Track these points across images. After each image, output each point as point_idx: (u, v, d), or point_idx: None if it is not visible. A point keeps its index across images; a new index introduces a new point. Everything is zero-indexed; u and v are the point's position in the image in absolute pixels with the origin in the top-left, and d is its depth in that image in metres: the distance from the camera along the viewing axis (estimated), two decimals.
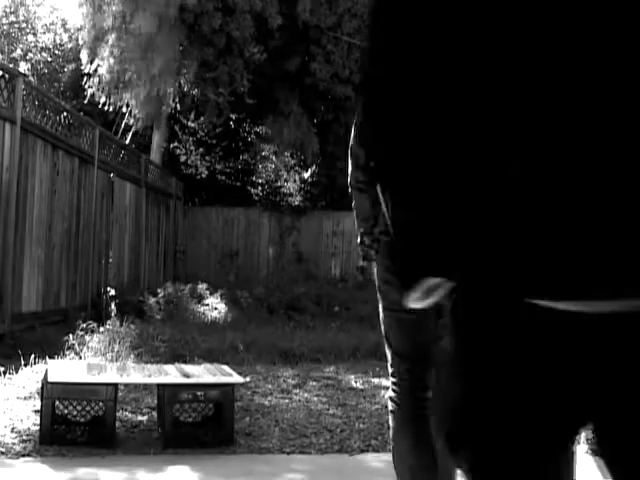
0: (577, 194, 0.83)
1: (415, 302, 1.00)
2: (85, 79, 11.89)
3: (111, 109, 11.91)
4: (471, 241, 0.87)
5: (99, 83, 11.52)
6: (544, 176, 0.83)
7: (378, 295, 2.32)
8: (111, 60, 11.16)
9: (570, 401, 0.95)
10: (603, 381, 0.93)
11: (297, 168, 15.13)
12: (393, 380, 2.35)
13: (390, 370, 2.38)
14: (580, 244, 0.83)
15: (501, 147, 0.84)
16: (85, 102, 12.80)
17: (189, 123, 15.32)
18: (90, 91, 11.72)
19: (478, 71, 0.86)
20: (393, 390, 2.34)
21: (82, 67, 12.02)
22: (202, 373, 3.74)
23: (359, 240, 2.31)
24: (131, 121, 12.35)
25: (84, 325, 6.45)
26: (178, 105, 12.95)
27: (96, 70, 11.49)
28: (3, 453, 3.29)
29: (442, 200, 0.88)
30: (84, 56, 11.70)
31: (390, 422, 2.38)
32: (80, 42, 12.57)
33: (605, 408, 0.95)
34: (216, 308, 10.27)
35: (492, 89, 0.85)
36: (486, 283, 0.90)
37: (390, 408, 2.37)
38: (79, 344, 5.96)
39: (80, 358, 5.66)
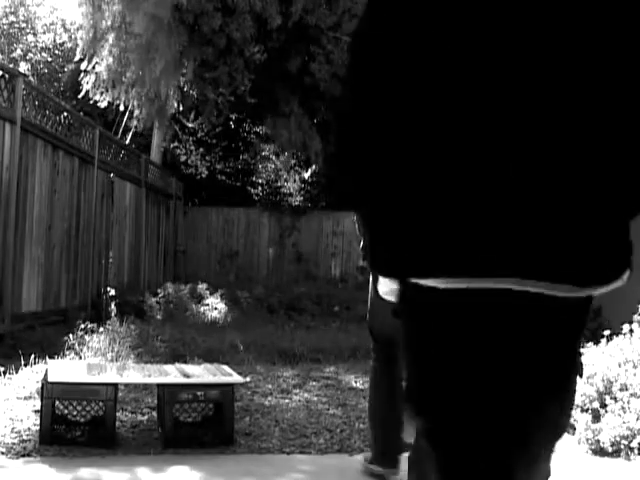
0: (479, 204, 1.11)
1: (385, 295, 1.32)
2: (83, 77, 11.86)
3: (104, 105, 11.88)
4: (405, 250, 1.17)
5: (95, 81, 11.50)
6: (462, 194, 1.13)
7: (371, 286, 2.83)
8: (110, 59, 11.15)
9: (482, 372, 1.19)
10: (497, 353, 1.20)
11: (297, 168, 15.13)
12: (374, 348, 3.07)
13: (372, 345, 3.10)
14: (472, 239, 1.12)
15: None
16: (85, 102, 12.79)
17: (189, 123, 15.32)
18: (88, 89, 11.69)
19: (434, 113, 1.15)
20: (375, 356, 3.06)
21: (81, 66, 12.01)
22: (202, 373, 3.74)
23: (361, 244, 2.66)
24: (133, 122, 12.34)
25: (84, 325, 6.44)
26: (178, 105, 12.95)
27: (94, 68, 11.47)
28: (3, 453, 3.29)
29: (386, 218, 1.20)
30: (82, 55, 11.68)
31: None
32: (79, 42, 12.57)
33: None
34: (216, 308, 10.26)
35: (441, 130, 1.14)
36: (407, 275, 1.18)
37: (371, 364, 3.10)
38: (79, 344, 5.95)
39: (80, 358, 5.66)
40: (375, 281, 2.62)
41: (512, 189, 1.11)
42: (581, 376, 1.36)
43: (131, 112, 11.99)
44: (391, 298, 1.26)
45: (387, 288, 1.19)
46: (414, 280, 1.16)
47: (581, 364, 1.38)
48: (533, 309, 1.19)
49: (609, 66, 1.14)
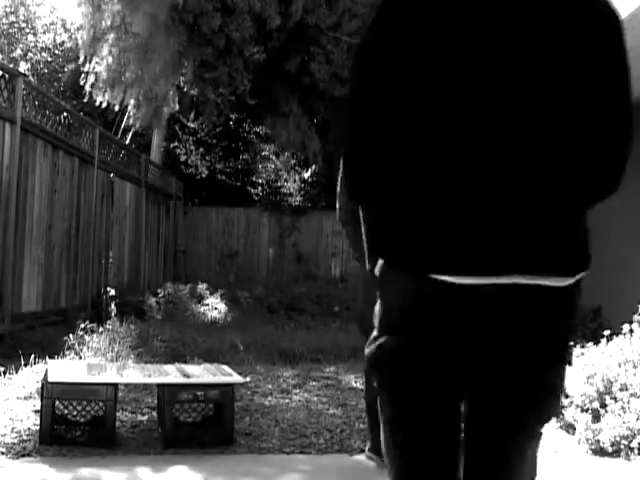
0: (474, 207, 1.36)
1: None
2: (83, 76, 11.87)
3: (104, 106, 11.88)
4: (403, 238, 1.40)
5: (96, 81, 11.51)
6: (455, 198, 1.39)
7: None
8: (109, 59, 11.15)
9: (456, 353, 1.37)
10: (482, 342, 1.38)
11: (297, 168, 15.13)
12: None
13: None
14: (471, 237, 1.36)
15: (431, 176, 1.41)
16: (85, 102, 12.79)
17: (189, 123, 15.31)
18: (87, 89, 11.69)
19: (426, 133, 1.41)
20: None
21: (81, 66, 12.01)
22: (202, 373, 3.74)
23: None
24: (130, 121, 12.34)
25: (84, 325, 6.44)
26: (177, 105, 12.94)
27: (93, 68, 11.48)
28: (3, 453, 3.29)
29: (387, 214, 1.45)
30: (82, 55, 11.68)
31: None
32: (79, 42, 12.57)
33: (481, 366, 1.40)
34: (216, 308, 10.27)
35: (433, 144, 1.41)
36: (406, 265, 1.40)
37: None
38: (79, 344, 5.95)
39: (80, 358, 5.66)
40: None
41: (507, 201, 1.39)
42: (570, 363, 1.62)
43: (128, 111, 11.98)
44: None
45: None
46: (433, 276, 1.35)
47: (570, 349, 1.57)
48: (534, 297, 1.40)
49: (571, 89, 1.44)
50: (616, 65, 1.55)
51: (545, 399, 1.46)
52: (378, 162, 1.46)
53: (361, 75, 1.50)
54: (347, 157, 1.49)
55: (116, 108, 11.89)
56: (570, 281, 1.50)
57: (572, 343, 1.55)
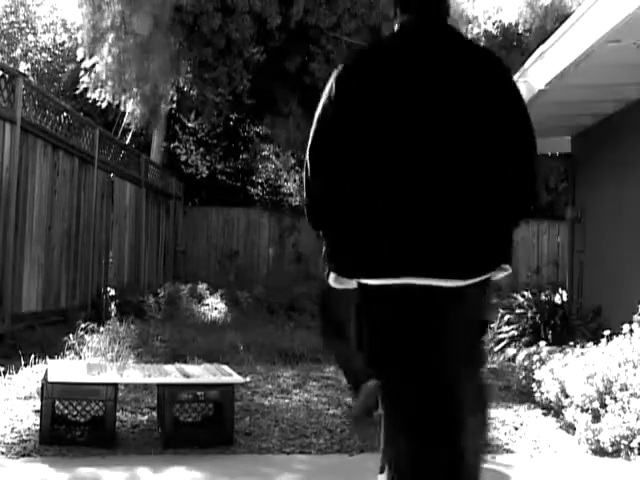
0: (392, 234, 1.92)
1: (334, 284, 2.08)
2: (82, 76, 11.86)
3: (105, 106, 11.88)
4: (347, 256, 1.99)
5: (96, 81, 11.50)
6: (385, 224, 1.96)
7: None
8: (109, 59, 11.14)
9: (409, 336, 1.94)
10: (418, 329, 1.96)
11: (297, 168, 15.12)
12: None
13: None
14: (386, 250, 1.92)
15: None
16: (85, 102, 12.79)
17: (189, 123, 15.31)
18: (87, 89, 11.69)
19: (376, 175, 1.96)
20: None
21: (81, 66, 12.01)
22: (202, 373, 3.74)
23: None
24: (129, 121, 12.33)
25: (84, 325, 6.44)
26: (176, 105, 12.94)
27: (93, 67, 11.47)
28: (3, 453, 3.29)
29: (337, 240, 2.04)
30: (82, 55, 11.68)
31: None
32: (79, 42, 12.55)
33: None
34: (216, 308, 10.27)
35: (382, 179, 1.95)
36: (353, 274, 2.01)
37: None
38: (79, 344, 5.95)
39: (80, 358, 5.66)
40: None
41: (411, 226, 1.92)
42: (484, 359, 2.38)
43: (125, 111, 11.97)
44: (338, 286, 2.10)
45: (335, 283, 2.12)
46: (359, 280, 2.01)
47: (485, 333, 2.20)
48: (430, 295, 1.93)
49: (480, 130, 1.96)
50: (514, 107, 2.03)
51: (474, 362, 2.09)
52: (329, 203, 2.04)
53: (321, 124, 2.06)
54: (310, 201, 2.09)
55: (121, 108, 11.89)
56: (460, 283, 1.94)
57: (490, 324, 1.89)
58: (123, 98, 11.51)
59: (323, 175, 2.01)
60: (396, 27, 2.26)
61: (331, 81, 2.11)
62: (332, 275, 2.06)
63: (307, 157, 2.05)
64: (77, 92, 12.35)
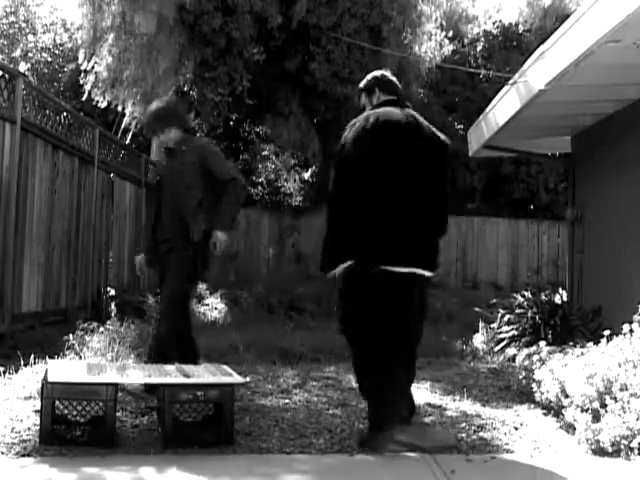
0: (400, 239, 3.56)
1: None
2: (82, 76, 11.87)
3: (104, 106, 11.89)
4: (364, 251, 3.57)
5: (96, 81, 11.51)
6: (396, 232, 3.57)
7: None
8: (109, 59, 11.15)
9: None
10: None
11: (297, 168, 15.13)
12: None
13: None
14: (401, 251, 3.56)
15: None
16: (85, 102, 12.80)
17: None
18: (86, 88, 11.70)
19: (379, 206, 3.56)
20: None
21: (81, 66, 12.02)
22: (202, 373, 3.74)
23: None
24: (129, 121, 12.34)
25: (84, 325, 6.44)
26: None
27: (93, 67, 11.48)
28: (3, 453, 3.29)
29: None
30: (82, 55, 11.69)
31: None
32: (79, 42, 12.56)
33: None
34: (216, 308, 10.27)
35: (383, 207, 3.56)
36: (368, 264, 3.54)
37: None
38: (79, 344, 5.95)
39: (80, 358, 5.66)
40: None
41: (414, 237, 3.57)
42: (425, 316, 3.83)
43: (126, 111, 11.96)
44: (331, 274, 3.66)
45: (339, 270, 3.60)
46: (386, 267, 3.51)
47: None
48: (421, 280, 3.62)
49: (431, 181, 3.67)
50: (442, 170, 3.76)
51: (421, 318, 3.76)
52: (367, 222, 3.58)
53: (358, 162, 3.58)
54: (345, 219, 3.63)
55: (119, 108, 11.89)
56: (431, 274, 3.67)
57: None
58: (123, 98, 11.51)
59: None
60: (380, 98, 3.85)
61: (369, 133, 3.58)
62: (346, 264, 3.55)
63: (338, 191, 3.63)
64: (79, 93, 12.35)
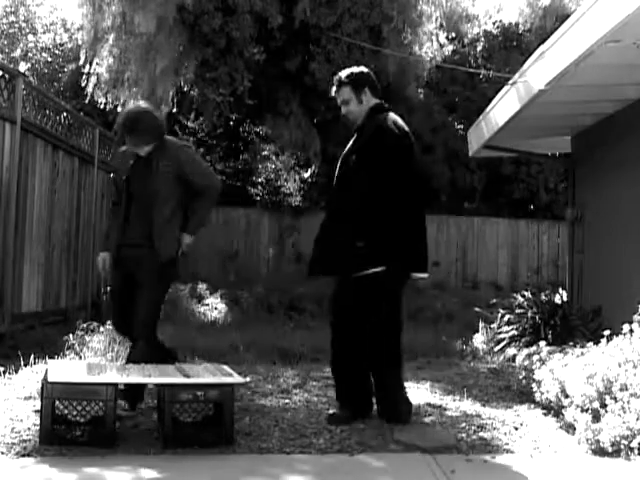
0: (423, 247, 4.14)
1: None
2: (83, 77, 11.87)
3: (108, 108, 11.89)
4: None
5: (97, 82, 11.50)
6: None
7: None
8: (110, 60, 11.14)
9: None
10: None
11: (297, 168, 15.11)
12: None
13: None
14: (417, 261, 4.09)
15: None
16: (85, 102, 12.79)
17: (189, 123, 15.30)
18: (89, 90, 11.70)
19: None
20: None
21: (82, 67, 12.01)
22: (202, 373, 3.74)
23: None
24: None
25: (84, 325, 6.44)
26: (177, 105, 12.92)
27: (94, 69, 11.47)
28: (3, 453, 3.29)
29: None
30: (83, 55, 11.69)
31: None
32: (80, 42, 12.55)
33: None
34: (216, 308, 10.26)
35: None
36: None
37: None
38: (79, 344, 5.96)
39: (80, 358, 5.66)
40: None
41: (426, 244, 4.15)
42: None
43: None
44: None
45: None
46: (413, 274, 4.08)
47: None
48: (422, 280, 4.60)
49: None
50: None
51: None
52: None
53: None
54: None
55: (119, 109, 11.88)
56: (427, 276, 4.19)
57: None
58: (124, 98, 11.51)
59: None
60: (374, 103, 4.09)
61: (400, 141, 3.99)
62: (378, 269, 3.81)
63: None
64: (79, 93, 12.34)
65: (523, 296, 7.09)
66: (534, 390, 4.39)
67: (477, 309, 7.95)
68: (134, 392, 4.07)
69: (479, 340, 7.12)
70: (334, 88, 4.17)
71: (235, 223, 14.20)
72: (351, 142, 4.11)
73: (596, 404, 3.63)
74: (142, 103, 4.53)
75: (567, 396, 3.93)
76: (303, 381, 5.23)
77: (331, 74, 11.42)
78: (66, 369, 3.75)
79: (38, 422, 3.55)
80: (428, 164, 14.49)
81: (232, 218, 14.19)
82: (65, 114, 8.14)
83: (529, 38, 16.20)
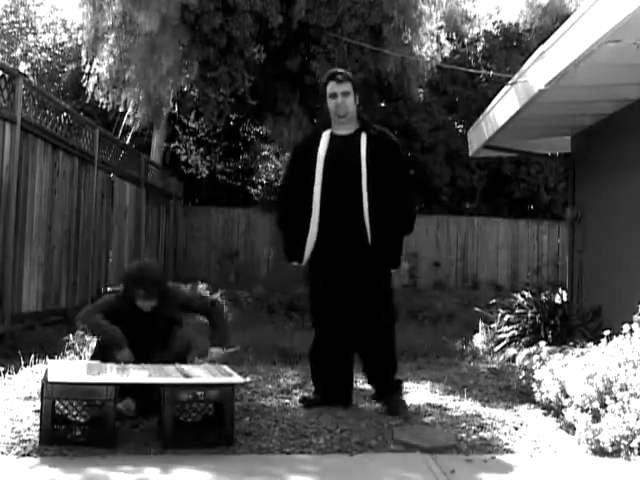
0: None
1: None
2: (84, 77, 11.88)
3: (109, 108, 11.90)
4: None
5: (98, 82, 11.51)
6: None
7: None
8: (110, 60, 11.14)
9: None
10: None
11: None
12: None
13: None
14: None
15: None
16: (86, 102, 12.80)
17: (189, 123, 15.30)
18: (89, 90, 11.71)
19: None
20: None
21: (82, 67, 12.02)
22: (202, 373, 3.74)
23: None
24: (130, 121, 12.33)
25: (84, 325, 6.42)
26: (177, 105, 12.93)
27: (95, 69, 11.47)
28: (3, 453, 3.29)
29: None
30: (83, 55, 11.69)
31: None
32: (80, 42, 12.55)
33: None
34: None
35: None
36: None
37: None
38: (79, 344, 5.95)
39: (80, 358, 5.65)
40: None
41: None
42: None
43: (128, 112, 11.96)
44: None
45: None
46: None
47: None
48: None
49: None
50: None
51: None
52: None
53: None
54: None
55: (121, 109, 11.88)
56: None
57: None
58: (125, 99, 11.51)
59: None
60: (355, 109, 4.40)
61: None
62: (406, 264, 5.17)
63: None
64: (80, 93, 12.36)
65: (523, 296, 7.09)
66: (534, 390, 4.39)
67: (477, 309, 7.95)
68: (143, 399, 3.99)
69: (479, 340, 7.12)
70: (340, 77, 4.34)
71: (235, 223, 14.21)
72: (364, 145, 4.23)
73: (596, 404, 3.63)
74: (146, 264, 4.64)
75: (567, 396, 3.93)
76: (303, 381, 5.23)
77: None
78: (66, 369, 3.75)
79: (38, 422, 3.55)
80: (428, 164, 14.50)
81: (232, 218, 14.20)
82: (65, 114, 8.14)
83: (529, 38, 16.20)
